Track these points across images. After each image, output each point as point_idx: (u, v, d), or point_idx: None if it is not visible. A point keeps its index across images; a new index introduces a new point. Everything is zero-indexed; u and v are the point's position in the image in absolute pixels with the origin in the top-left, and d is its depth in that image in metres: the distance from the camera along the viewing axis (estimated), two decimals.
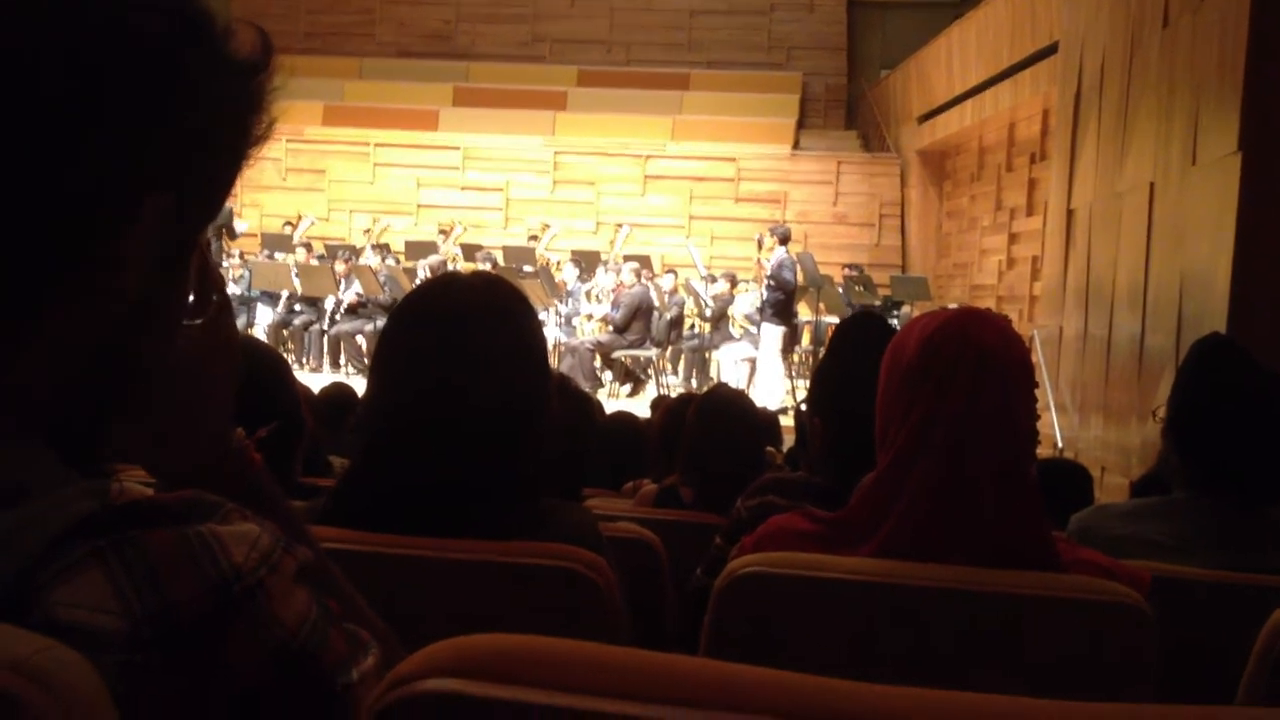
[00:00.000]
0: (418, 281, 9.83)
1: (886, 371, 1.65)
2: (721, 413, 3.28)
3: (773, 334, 12.40)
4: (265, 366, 2.37)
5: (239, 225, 16.34)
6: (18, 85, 0.72)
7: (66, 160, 0.73)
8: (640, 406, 10.41)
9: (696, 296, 13.74)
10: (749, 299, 13.50)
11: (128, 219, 0.77)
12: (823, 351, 11.16)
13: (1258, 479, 2.36)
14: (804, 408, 2.35)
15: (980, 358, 1.54)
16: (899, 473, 1.57)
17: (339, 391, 5.09)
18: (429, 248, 15.57)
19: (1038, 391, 1.64)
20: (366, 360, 12.77)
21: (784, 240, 12.69)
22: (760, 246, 13.19)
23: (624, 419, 4.68)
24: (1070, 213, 9.58)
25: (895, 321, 11.38)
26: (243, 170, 0.87)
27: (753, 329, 13.05)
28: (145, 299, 0.81)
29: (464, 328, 1.64)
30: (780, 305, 12.42)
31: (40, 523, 0.70)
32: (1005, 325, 1.62)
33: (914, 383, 1.57)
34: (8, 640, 0.62)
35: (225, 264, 15.06)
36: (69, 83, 0.73)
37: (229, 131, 0.86)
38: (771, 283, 12.32)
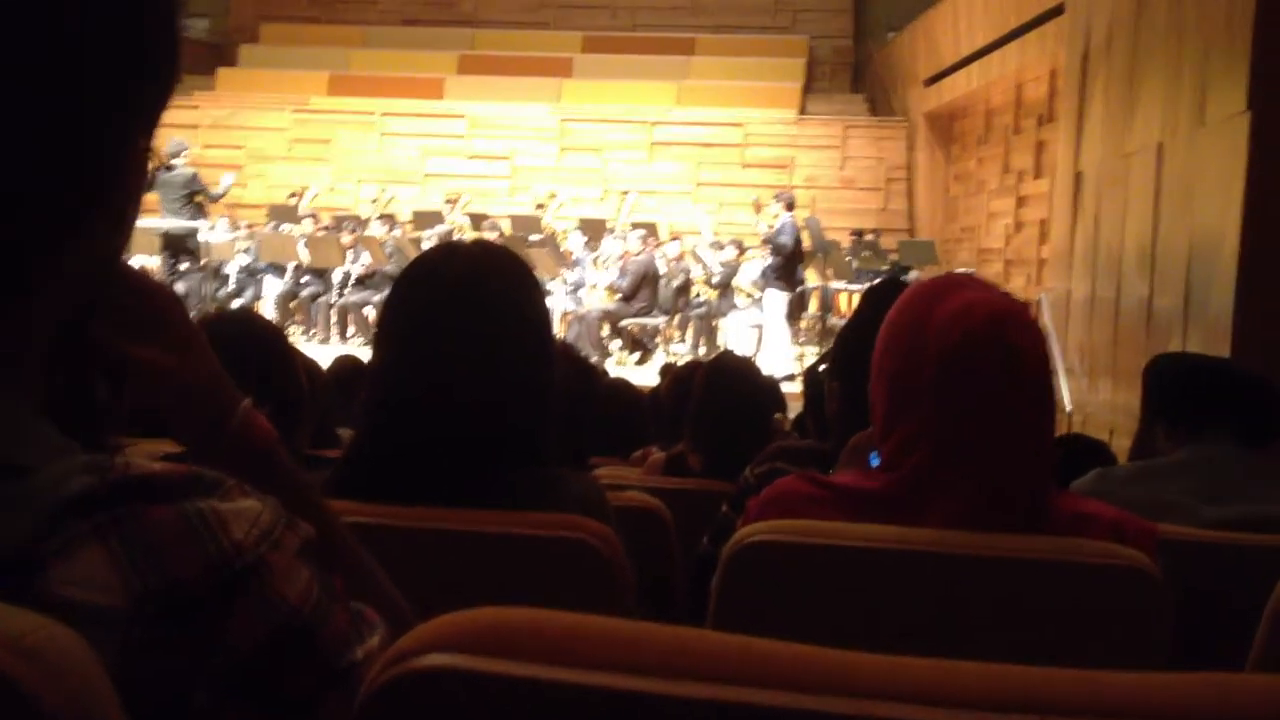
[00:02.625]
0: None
1: (906, 350, 1.63)
2: (727, 379, 3.27)
3: (778, 300, 12.36)
4: (259, 339, 2.37)
5: (224, 180, 14.46)
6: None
7: (78, 117, 0.74)
8: (648, 375, 10.41)
9: (704, 264, 13.70)
10: (755, 266, 13.46)
11: (126, 163, 0.79)
12: (831, 318, 11.11)
13: (1251, 423, 2.52)
14: (823, 369, 2.36)
15: (1016, 364, 1.55)
16: (924, 470, 1.58)
17: (350, 364, 5.09)
18: (436, 217, 15.53)
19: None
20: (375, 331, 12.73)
21: (790, 206, 12.62)
22: (757, 210, 13.12)
23: (619, 386, 4.67)
24: (1078, 175, 9.52)
25: None
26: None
27: (757, 294, 13.01)
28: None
29: (464, 296, 1.64)
30: (783, 271, 12.37)
31: (39, 498, 0.69)
32: (1034, 324, 1.64)
33: (944, 379, 1.57)
34: (3, 619, 0.61)
35: (232, 235, 14.99)
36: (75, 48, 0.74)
37: (174, 45, 0.84)
38: (768, 246, 12.28)
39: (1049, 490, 1.61)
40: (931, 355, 1.58)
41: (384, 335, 1.71)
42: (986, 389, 1.55)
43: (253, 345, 2.30)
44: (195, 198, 13.20)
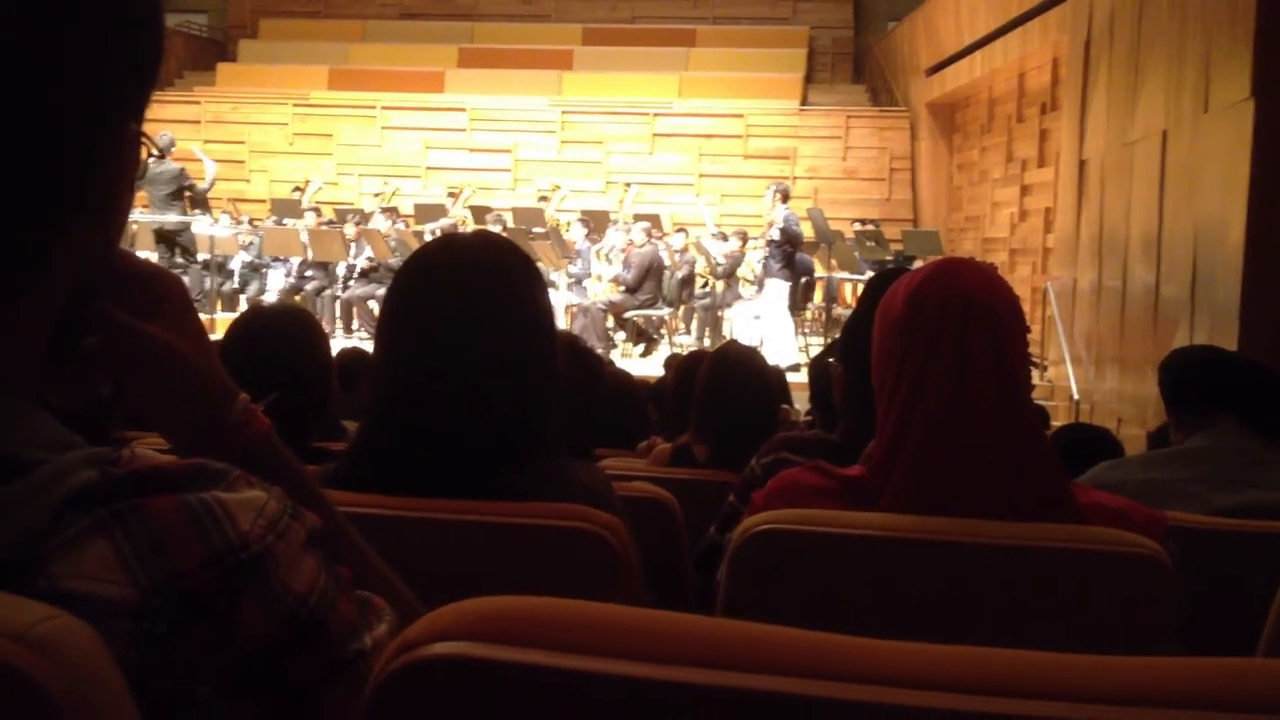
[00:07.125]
0: None
1: (879, 329, 1.66)
2: (732, 369, 3.26)
3: (779, 289, 12.35)
4: (306, 334, 2.39)
5: (207, 171, 14.29)
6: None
7: (58, 105, 0.72)
8: (653, 366, 10.41)
9: (707, 255, 13.69)
10: (758, 256, 13.44)
11: (113, 147, 0.77)
12: (836, 308, 11.10)
13: (1260, 413, 2.55)
14: (830, 361, 2.36)
15: (965, 304, 1.54)
16: (902, 427, 1.57)
17: (353, 356, 5.09)
18: (438, 210, 15.53)
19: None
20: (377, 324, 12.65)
21: (785, 197, 12.62)
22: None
23: (618, 377, 4.66)
24: (1082, 163, 9.51)
25: None
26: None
27: (756, 285, 13.02)
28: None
29: (465, 288, 1.63)
30: (787, 260, 12.37)
31: (42, 493, 0.68)
32: (988, 270, 1.63)
33: (905, 337, 1.57)
34: (10, 610, 0.60)
35: (235, 230, 15.00)
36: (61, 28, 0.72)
37: (157, 23, 0.82)
38: (779, 237, 12.26)
39: (1047, 474, 1.58)
40: (895, 322, 1.59)
41: (385, 328, 1.70)
42: (939, 344, 1.53)
43: (299, 340, 2.33)
44: (183, 193, 13.18)
